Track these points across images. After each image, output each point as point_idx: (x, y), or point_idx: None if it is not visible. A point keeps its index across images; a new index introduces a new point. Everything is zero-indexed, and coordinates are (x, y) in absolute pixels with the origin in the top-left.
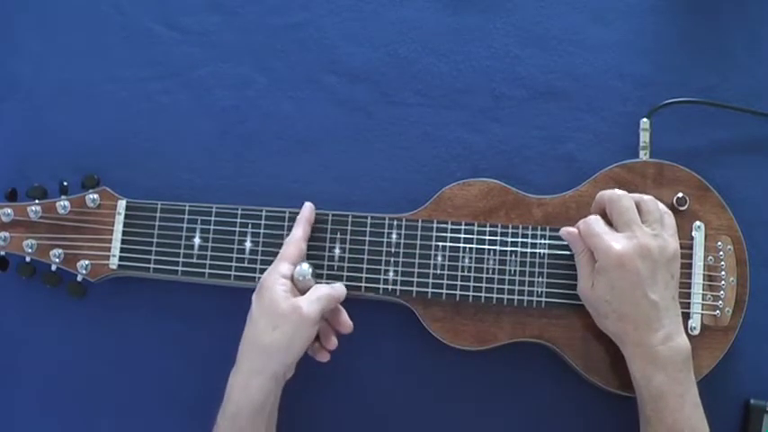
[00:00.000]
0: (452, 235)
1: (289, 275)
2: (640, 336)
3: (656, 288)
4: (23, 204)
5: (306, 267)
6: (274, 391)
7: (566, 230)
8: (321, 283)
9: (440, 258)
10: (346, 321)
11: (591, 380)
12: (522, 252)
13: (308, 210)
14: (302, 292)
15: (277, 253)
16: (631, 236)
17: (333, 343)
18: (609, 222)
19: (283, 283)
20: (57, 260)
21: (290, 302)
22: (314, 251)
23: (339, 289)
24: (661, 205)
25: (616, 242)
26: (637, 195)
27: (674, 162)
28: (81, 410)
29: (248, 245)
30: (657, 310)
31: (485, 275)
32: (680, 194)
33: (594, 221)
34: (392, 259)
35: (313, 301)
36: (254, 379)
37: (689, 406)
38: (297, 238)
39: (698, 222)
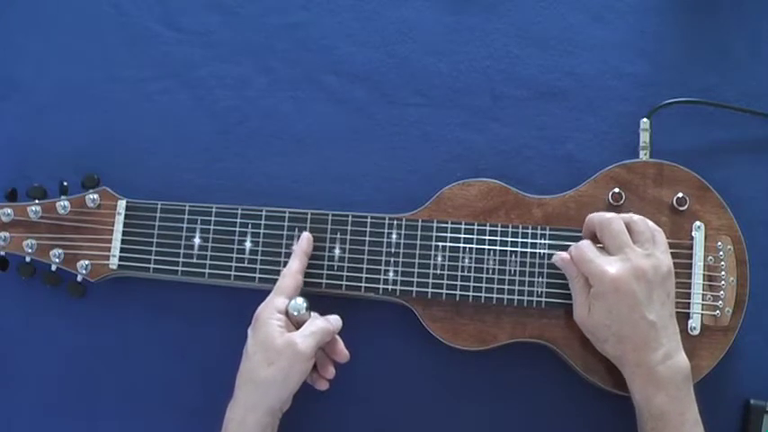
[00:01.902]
0: (452, 235)
1: (283, 309)
2: (639, 356)
3: (653, 308)
4: (23, 204)
5: (300, 302)
6: (271, 425)
7: (558, 257)
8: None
9: (440, 258)
10: (342, 351)
11: (591, 380)
12: (522, 252)
13: (305, 241)
14: (297, 325)
15: (277, 253)
16: (625, 258)
17: (330, 372)
18: (600, 245)
19: (278, 318)
20: (57, 260)
21: (285, 338)
22: (314, 251)
23: (335, 322)
24: (651, 223)
25: (610, 266)
26: (626, 216)
27: (674, 162)
28: (81, 410)
29: (248, 245)
30: (656, 330)
31: (485, 275)
32: (680, 194)
33: (586, 246)
34: (392, 259)
35: (307, 336)
36: (250, 414)
37: (689, 424)
38: (293, 270)
39: (698, 222)
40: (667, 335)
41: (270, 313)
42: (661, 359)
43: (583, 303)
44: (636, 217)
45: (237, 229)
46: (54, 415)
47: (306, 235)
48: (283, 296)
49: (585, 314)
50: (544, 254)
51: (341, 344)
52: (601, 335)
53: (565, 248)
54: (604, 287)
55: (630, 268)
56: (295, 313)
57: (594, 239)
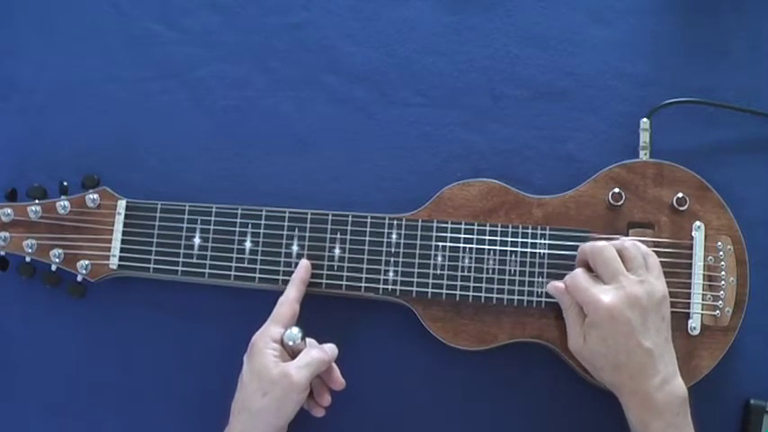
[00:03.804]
0: (452, 235)
1: (279, 339)
2: (636, 384)
3: (649, 335)
4: (23, 204)
5: (296, 332)
6: None
7: (553, 285)
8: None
9: (440, 258)
10: (338, 379)
11: (591, 380)
12: (522, 252)
13: (302, 269)
14: (293, 354)
15: (277, 253)
16: (618, 287)
17: (326, 400)
18: (594, 273)
19: (273, 348)
20: (57, 260)
21: (280, 369)
22: (314, 251)
23: (330, 351)
24: (643, 247)
25: (604, 295)
26: (618, 243)
27: (674, 162)
28: (81, 410)
29: (248, 245)
30: (652, 356)
31: (485, 275)
32: (680, 194)
33: (580, 276)
34: (392, 259)
35: (302, 367)
36: None
37: None
38: (290, 299)
39: (698, 222)
40: (663, 361)
41: (265, 343)
42: (658, 386)
43: (578, 332)
44: (627, 243)
45: (237, 229)
46: (54, 415)
47: (304, 263)
48: (279, 325)
49: (581, 343)
50: (544, 254)
51: (337, 372)
52: (597, 363)
53: (565, 248)
54: (599, 316)
55: (624, 296)
56: (290, 343)
57: (588, 269)
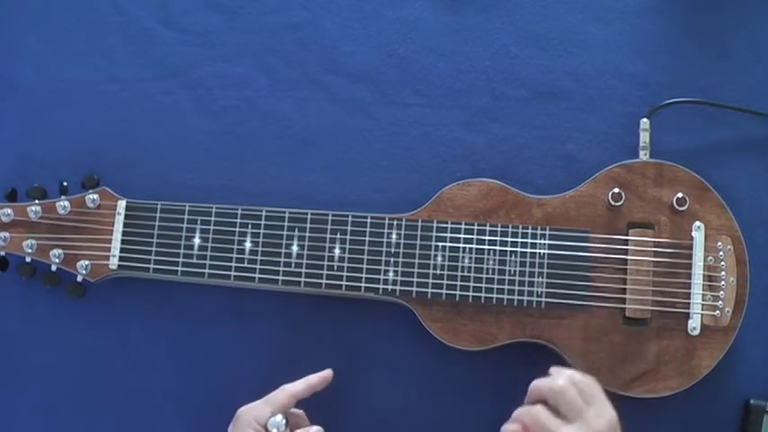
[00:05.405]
0: (452, 235)
1: (263, 422)
2: None
3: None
4: (23, 204)
5: (279, 419)
6: None
7: (506, 429)
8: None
9: (440, 258)
10: None
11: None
12: (522, 252)
13: (322, 378)
14: None
15: (277, 253)
16: (584, 424)
17: None
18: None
19: (256, 429)
20: (57, 260)
21: None
22: (314, 251)
23: None
24: (578, 376)
25: None
26: (568, 376)
27: (674, 162)
28: (81, 410)
29: (248, 245)
30: None
31: (485, 275)
32: (680, 194)
33: (542, 414)
34: (392, 259)
35: None
36: None
37: None
38: (293, 392)
39: (698, 222)
40: None
41: (248, 422)
42: None
43: None
44: (576, 377)
45: (237, 229)
46: (54, 415)
47: (328, 373)
48: (269, 408)
49: None
50: (544, 254)
51: None
52: None
53: (565, 248)
54: None
55: None
56: (274, 431)
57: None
